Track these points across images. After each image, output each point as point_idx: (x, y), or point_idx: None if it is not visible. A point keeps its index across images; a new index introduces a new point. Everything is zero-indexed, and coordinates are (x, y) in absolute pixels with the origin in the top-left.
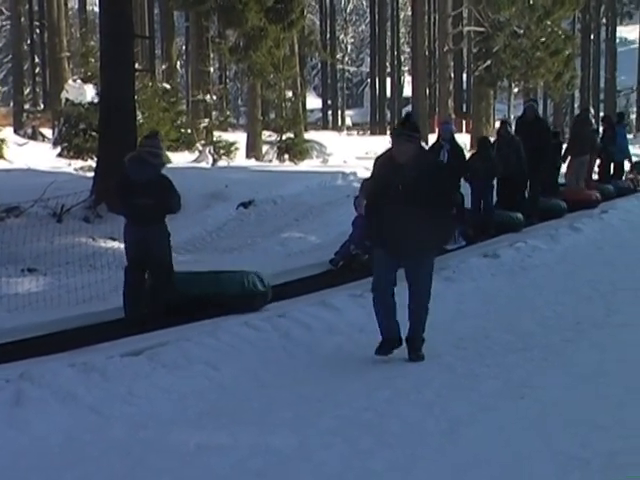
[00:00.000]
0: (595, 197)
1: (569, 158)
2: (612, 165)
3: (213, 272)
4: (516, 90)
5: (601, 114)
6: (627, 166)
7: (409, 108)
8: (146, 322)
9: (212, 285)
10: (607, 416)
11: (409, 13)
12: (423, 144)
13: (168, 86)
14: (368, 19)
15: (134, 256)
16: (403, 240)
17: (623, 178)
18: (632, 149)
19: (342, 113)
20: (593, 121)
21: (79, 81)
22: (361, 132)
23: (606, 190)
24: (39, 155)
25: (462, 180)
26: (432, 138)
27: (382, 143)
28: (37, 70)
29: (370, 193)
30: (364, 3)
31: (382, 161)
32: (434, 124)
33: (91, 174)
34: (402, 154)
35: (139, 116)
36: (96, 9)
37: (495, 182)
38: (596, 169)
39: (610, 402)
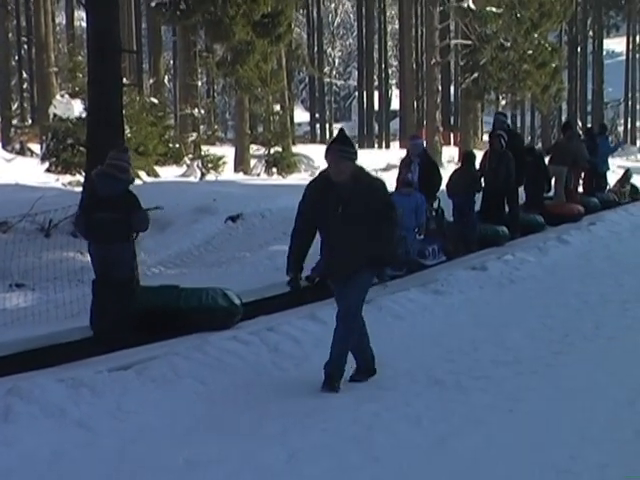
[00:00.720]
0: (577, 211)
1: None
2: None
3: (174, 287)
4: (503, 102)
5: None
6: (611, 178)
7: (397, 121)
8: (112, 338)
9: (173, 299)
10: (596, 429)
11: (396, 26)
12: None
13: (156, 100)
14: (356, 33)
15: (99, 272)
16: (345, 261)
17: (607, 190)
18: (620, 161)
19: (330, 126)
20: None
21: (67, 96)
22: None
23: (591, 203)
24: (27, 170)
25: (440, 194)
26: None
27: (371, 156)
28: (25, 85)
29: (304, 219)
30: (351, 17)
31: (317, 184)
32: (422, 137)
33: (79, 189)
34: (340, 173)
35: (127, 130)
36: (83, 24)
37: (480, 195)
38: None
39: (599, 415)
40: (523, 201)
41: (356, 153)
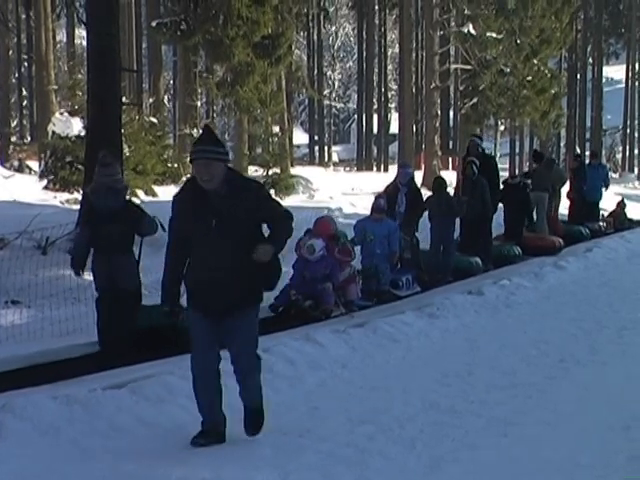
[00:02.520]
0: (557, 243)
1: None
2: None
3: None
4: (502, 128)
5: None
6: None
7: (396, 144)
8: (123, 354)
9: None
10: (591, 455)
11: (396, 50)
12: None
13: (155, 120)
14: (356, 56)
15: (103, 287)
16: (221, 292)
17: (600, 219)
18: (618, 188)
19: (329, 149)
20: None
21: (66, 114)
22: (347, 168)
23: (577, 232)
24: (25, 187)
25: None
26: (418, 175)
27: (369, 179)
28: (24, 103)
29: (176, 239)
30: (352, 40)
31: (186, 195)
32: (420, 161)
33: (77, 207)
34: (210, 179)
35: (126, 149)
36: (84, 43)
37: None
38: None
39: (593, 441)
40: (502, 232)
41: (227, 153)
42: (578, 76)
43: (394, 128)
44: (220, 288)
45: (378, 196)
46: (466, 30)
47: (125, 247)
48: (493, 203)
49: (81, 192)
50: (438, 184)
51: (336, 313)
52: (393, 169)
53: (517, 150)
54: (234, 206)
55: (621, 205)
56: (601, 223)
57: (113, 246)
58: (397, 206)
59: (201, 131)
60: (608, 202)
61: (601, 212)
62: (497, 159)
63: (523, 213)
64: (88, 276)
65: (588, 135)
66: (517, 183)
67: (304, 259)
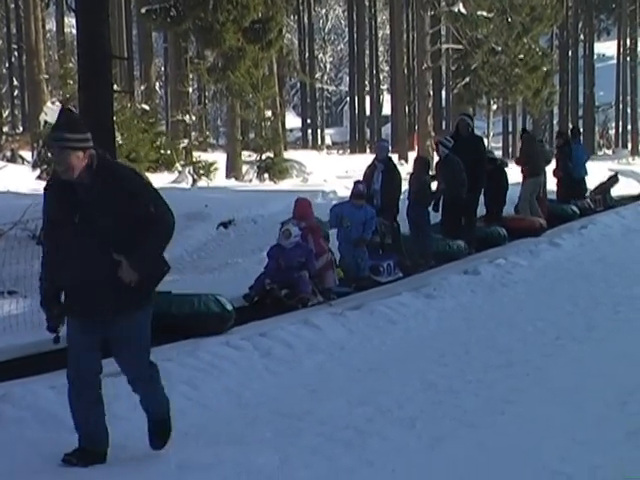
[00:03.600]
0: (539, 225)
1: (523, 180)
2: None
3: (166, 293)
4: (495, 107)
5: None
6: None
7: (389, 126)
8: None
9: (165, 306)
10: (588, 431)
11: (387, 32)
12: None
13: (147, 107)
14: (347, 38)
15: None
16: (92, 295)
17: (587, 196)
18: (612, 164)
19: (322, 132)
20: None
21: (58, 103)
22: (341, 151)
23: (567, 211)
24: (18, 178)
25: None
26: (411, 155)
27: (363, 161)
28: (16, 93)
29: (48, 236)
30: (342, 22)
31: (54, 187)
32: (414, 142)
33: None
34: (65, 168)
35: (118, 137)
36: (74, 31)
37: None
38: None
39: (590, 417)
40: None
41: (87, 139)
42: (570, 53)
43: (387, 110)
44: (90, 291)
45: (357, 181)
46: (457, 9)
47: None
48: (478, 185)
49: None
50: (419, 164)
51: (313, 302)
52: None
53: (510, 129)
54: (100, 200)
55: (612, 180)
56: (589, 201)
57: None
58: (372, 183)
59: (58, 114)
60: (596, 178)
61: (588, 189)
62: (489, 138)
63: (501, 194)
64: None
65: (581, 112)
66: (494, 163)
67: (279, 246)
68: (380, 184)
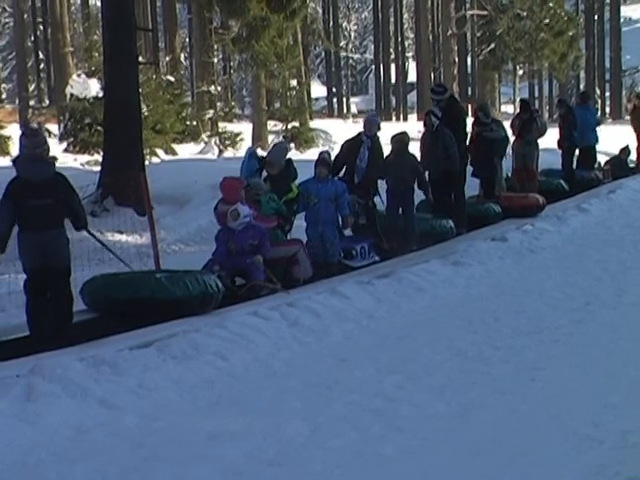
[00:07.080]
0: (539, 202)
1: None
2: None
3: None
4: (521, 72)
5: (607, 94)
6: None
7: (414, 94)
8: (53, 338)
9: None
10: (619, 396)
11: None
12: None
13: (172, 78)
14: (371, 6)
15: (34, 267)
16: None
17: (596, 167)
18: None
19: (347, 101)
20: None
21: (83, 76)
22: None
23: (558, 186)
24: None
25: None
26: None
27: (389, 129)
28: (41, 66)
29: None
30: None
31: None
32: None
33: (97, 168)
34: None
35: (144, 109)
36: (98, 3)
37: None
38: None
39: (621, 382)
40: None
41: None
42: (595, 17)
43: (412, 77)
44: None
45: (322, 151)
46: None
47: (56, 221)
48: (461, 157)
49: (101, 153)
50: (398, 145)
51: (266, 291)
52: (412, 118)
53: (536, 94)
54: None
55: (625, 152)
56: (597, 172)
57: (44, 221)
58: (359, 160)
59: None
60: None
61: (598, 160)
62: (516, 104)
63: (490, 167)
64: (111, 237)
65: (607, 76)
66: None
67: (228, 229)
68: (367, 162)
